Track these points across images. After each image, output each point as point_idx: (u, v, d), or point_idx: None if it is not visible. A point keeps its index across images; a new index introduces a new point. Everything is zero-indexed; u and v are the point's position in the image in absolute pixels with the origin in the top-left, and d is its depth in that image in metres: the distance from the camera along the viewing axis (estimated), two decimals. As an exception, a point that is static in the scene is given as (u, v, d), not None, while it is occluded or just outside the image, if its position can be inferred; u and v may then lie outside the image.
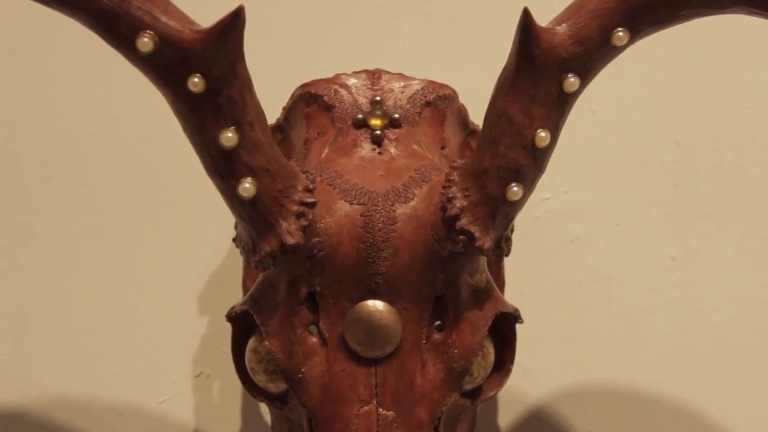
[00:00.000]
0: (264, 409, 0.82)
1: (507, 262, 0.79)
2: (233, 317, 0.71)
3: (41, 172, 0.89)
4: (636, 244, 0.87)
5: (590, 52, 0.66)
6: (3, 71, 0.90)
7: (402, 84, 0.76)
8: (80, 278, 0.87)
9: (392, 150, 0.74)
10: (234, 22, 0.63)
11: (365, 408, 0.68)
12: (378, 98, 0.76)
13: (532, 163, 0.67)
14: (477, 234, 0.67)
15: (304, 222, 0.67)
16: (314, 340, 0.69)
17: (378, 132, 0.74)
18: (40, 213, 0.89)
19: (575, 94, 0.67)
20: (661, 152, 0.88)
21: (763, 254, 0.87)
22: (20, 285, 0.87)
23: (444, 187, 0.68)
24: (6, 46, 0.90)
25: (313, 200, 0.68)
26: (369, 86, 0.76)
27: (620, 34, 0.66)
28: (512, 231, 0.75)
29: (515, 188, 0.67)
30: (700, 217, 0.87)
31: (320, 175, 0.70)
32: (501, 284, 0.78)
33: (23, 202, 0.89)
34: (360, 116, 0.75)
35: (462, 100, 0.78)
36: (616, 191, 0.87)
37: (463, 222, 0.67)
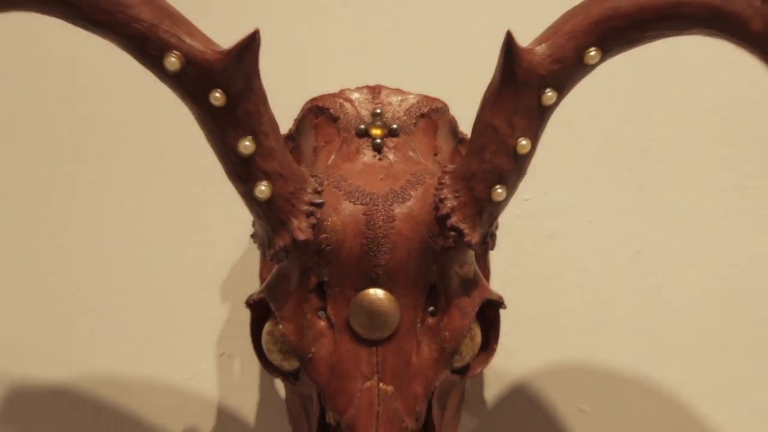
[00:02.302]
0: (279, 384, 0.83)
1: (492, 255, 0.80)
2: (251, 304, 0.71)
3: (87, 170, 0.89)
4: (606, 240, 0.87)
5: (566, 70, 0.66)
6: (48, 57, 0.90)
7: (399, 98, 0.77)
8: (120, 269, 0.87)
9: (391, 156, 0.74)
10: (250, 43, 0.63)
11: (367, 383, 0.67)
12: (378, 111, 0.76)
13: (514, 168, 0.67)
14: (466, 230, 0.67)
15: (313, 220, 0.67)
16: (322, 324, 0.68)
17: (378, 141, 0.74)
18: (88, 204, 0.89)
19: (553, 107, 0.67)
20: (628, 159, 0.88)
21: (716, 248, 0.88)
22: (65, 270, 0.87)
23: (437, 189, 0.68)
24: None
25: (321, 201, 0.68)
26: (370, 100, 0.76)
27: (592, 53, 0.66)
28: (497, 228, 0.75)
29: (499, 190, 0.67)
30: (661, 215, 0.88)
31: (327, 179, 0.70)
32: (486, 274, 0.78)
33: (69, 195, 0.88)
34: (362, 127, 0.75)
35: (452, 111, 0.78)
36: (588, 193, 0.87)
37: (453, 220, 0.67)
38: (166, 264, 0.86)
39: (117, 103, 0.88)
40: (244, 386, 0.84)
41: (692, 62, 0.85)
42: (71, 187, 0.88)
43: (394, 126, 0.75)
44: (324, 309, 0.68)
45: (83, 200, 0.88)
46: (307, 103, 0.77)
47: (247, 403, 0.84)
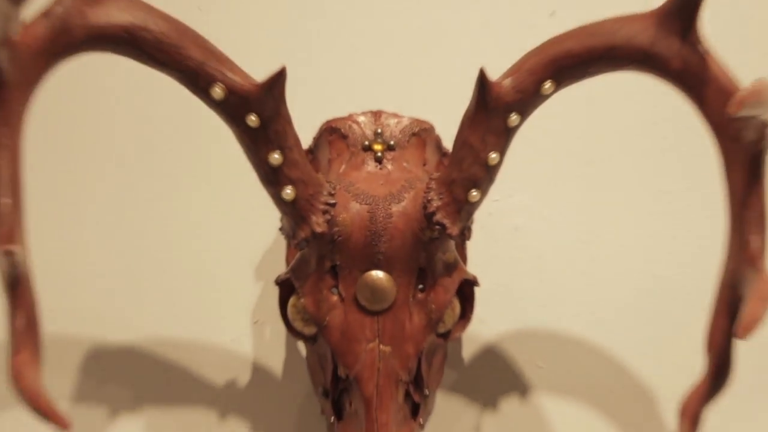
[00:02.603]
0: (301, 345, 0.83)
1: (469, 244, 0.80)
2: (279, 282, 0.71)
3: (161, 174, 0.88)
4: (559, 232, 0.87)
5: (527, 99, 0.66)
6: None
7: (396, 120, 0.76)
8: (179, 254, 0.87)
9: (389, 167, 0.74)
10: (279, 77, 0.63)
11: (370, 345, 0.68)
12: (379, 130, 0.76)
13: (486, 176, 0.67)
14: (448, 225, 0.67)
15: (327, 216, 0.67)
16: (335, 298, 0.68)
17: (379, 154, 0.74)
18: (162, 203, 0.88)
19: (517, 128, 0.67)
20: (576, 168, 0.88)
21: (645, 237, 0.87)
22: (138, 255, 0.87)
23: (425, 192, 0.68)
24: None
25: (334, 201, 0.68)
26: (373, 122, 0.76)
27: (548, 86, 0.66)
28: (472, 223, 0.75)
29: (474, 193, 0.67)
30: (602, 212, 0.88)
31: (339, 184, 0.70)
32: (464, 259, 0.78)
33: (147, 193, 0.88)
34: (366, 143, 0.75)
35: (437, 131, 0.78)
36: (544, 195, 0.87)
37: (438, 216, 0.67)
38: (214, 251, 0.86)
39: (182, 126, 0.87)
40: (273, 347, 0.84)
41: (626, 90, 0.85)
42: (149, 187, 0.87)
43: (392, 142, 0.75)
44: (336, 286, 0.68)
45: (158, 200, 0.87)
46: (323, 124, 0.77)
47: (275, 360, 0.84)
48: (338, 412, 0.71)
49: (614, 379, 0.84)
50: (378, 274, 0.68)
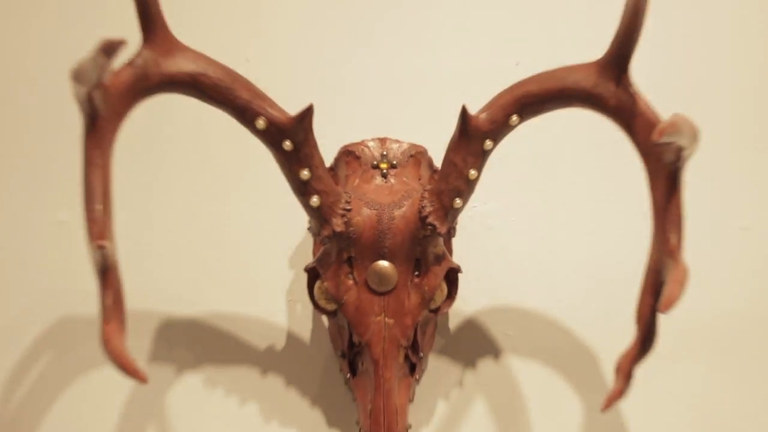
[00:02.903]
0: (324, 319, 0.81)
1: (454, 240, 0.79)
2: (308, 270, 0.71)
3: (222, 178, 0.86)
4: (523, 231, 0.86)
5: (498, 129, 0.66)
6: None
7: (397, 145, 0.76)
8: (231, 248, 0.85)
9: (392, 180, 0.73)
10: (307, 112, 0.63)
11: (378, 318, 0.68)
12: (384, 153, 0.75)
13: (467, 188, 0.67)
14: (437, 225, 0.67)
15: (345, 219, 0.67)
16: (351, 282, 0.68)
17: (384, 171, 0.74)
18: (220, 205, 0.86)
19: (490, 151, 0.67)
20: (537, 181, 0.86)
21: (591, 237, 0.85)
22: (202, 247, 0.85)
23: (420, 201, 0.68)
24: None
25: (350, 207, 0.68)
26: (379, 146, 0.76)
27: (514, 119, 0.66)
28: (456, 224, 0.75)
29: (458, 201, 0.67)
30: (558, 216, 0.86)
31: (353, 194, 0.70)
32: (450, 252, 0.78)
33: (208, 194, 0.86)
34: (375, 163, 0.75)
35: (430, 153, 0.78)
36: (512, 202, 0.85)
37: (430, 219, 0.67)
38: (259, 246, 0.84)
39: (238, 151, 0.85)
40: (303, 319, 0.83)
41: (574, 122, 0.83)
42: (212, 197, 0.86)
43: (394, 162, 0.75)
44: (352, 273, 0.68)
45: (217, 207, 0.86)
46: (341, 148, 0.77)
47: (305, 330, 0.83)
48: (353, 370, 0.71)
49: (567, 344, 0.83)
50: (384, 264, 0.68)
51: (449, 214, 0.67)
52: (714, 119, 0.86)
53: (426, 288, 0.69)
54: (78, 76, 0.56)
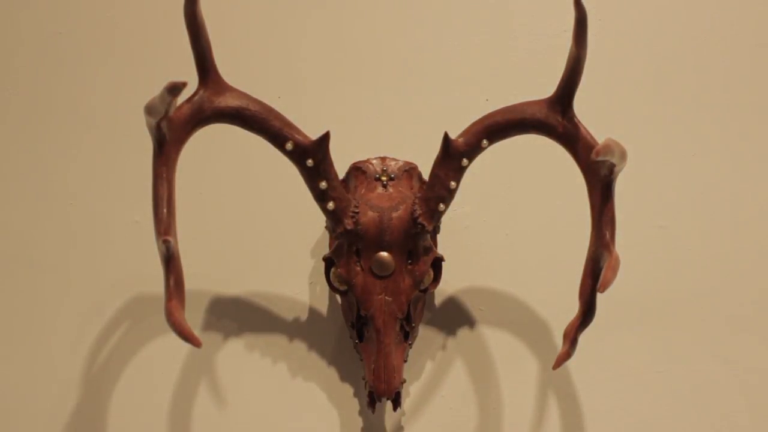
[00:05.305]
0: (338, 297, 0.80)
1: (438, 236, 0.78)
2: (325, 259, 0.71)
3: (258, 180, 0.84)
4: (491, 228, 0.84)
5: (472, 150, 0.66)
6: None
7: (395, 162, 0.76)
8: (262, 243, 0.83)
9: (391, 190, 0.73)
10: (325, 137, 0.64)
11: (379, 296, 0.68)
12: (384, 168, 0.75)
13: (448, 196, 0.67)
14: (426, 224, 0.67)
15: (354, 220, 0.67)
16: (358, 268, 0.68)
17: (385, 183, 0.74)
18: (252, 207, 0.84)
19: (466, 167, 0.67)
20: (502, 190, 0.85)
21: (546, 230, 0.83)
22: (236, 241, 0.83)
23: (412, 205, 0.68)
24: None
25: (358, 211, 0.68)
26: (381, 163, 0.75)
27: (485, 142, 0.67)
28: (440, 223, 0.75)
29: (441, 206, 0.68)
30: (520, 218, 0.83)
31: (360, 200, 0.70)
32: (435, 245, 0.76)
33: (242, 196, 0.84)
34: (377, 176, 0.74)
35: (420, 168, 0.77)
36: (484, 207, 0.84)
37: (420, 219, 0.67)
38: (288, 241, 0.82)
39: (273, 170, 0.81)
40: (322, 298, 0.82)
41: (533, 143, 0.79)
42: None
43: (393, 175, 0.74)
44: (359, 261, 0.68)
45: (254, 213, 0.83)
46: (351, 165, 0.76)
47: (322, 305, 0.82)
48: (360, 336, 0.70)
49: (526, 315, 0.82)
50: (384, 254, 0.68)
51: (435, 215, 0.68)
52: (637, 141, 0.83)
53: (417, 273, 0.69)
54: (149, 110, 0.58)
